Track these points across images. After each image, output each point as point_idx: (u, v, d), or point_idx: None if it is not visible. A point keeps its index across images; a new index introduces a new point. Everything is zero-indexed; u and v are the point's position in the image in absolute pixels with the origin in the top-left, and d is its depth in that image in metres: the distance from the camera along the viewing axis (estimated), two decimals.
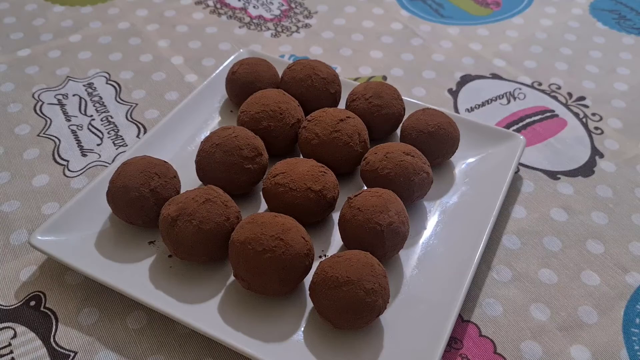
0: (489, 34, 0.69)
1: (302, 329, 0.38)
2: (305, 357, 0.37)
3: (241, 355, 0.37)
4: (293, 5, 0.73)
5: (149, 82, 0.60)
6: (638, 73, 0.64)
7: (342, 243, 0.43)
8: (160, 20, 0.69)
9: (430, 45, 0.67)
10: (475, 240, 0.42)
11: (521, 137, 0.50)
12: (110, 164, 0.50)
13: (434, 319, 0.38)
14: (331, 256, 0.38)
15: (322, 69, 0.52)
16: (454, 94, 0.60)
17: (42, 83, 0.59)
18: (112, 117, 0.55)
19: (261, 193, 0.45)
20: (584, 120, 0.58)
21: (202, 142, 0.46)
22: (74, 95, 0.58)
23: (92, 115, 0.56)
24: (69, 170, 0.50)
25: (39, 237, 0.41)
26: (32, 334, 0.39)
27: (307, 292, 0.39)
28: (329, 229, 0.45)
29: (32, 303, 0.41)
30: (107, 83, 0.60)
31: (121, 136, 0.54)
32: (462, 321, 0.41)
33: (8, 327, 0.39)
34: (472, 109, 0.58)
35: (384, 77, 0.62)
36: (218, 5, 0.72)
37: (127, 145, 0.53)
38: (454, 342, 0.40)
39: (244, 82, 0.52)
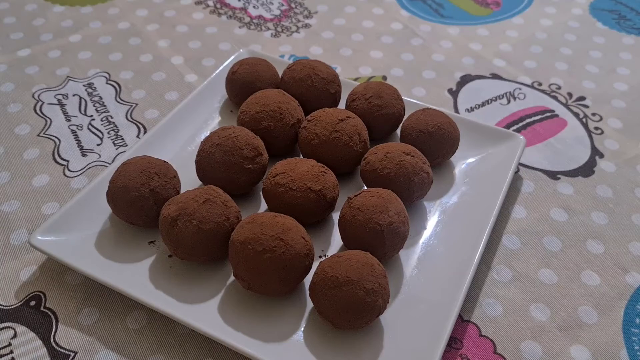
0: (489, 34, 0.69)
1: (302, 329, 0.38)
2: (305, 357, 0.37)
3: (241, 355, 0.37)
4: (293, 5, 0.73)
5: (149, 82, 0.60)
6: (638, 73, 0.64)
7: (342, 243, 0.43)
8: (160, 20, 0.69)
9: (430, 45, 0.67)
10: (475, 240, 0.42)
11: (521, 137, 0.50)
12: (110, 164, 0.50)
13: (434, 319, 0.38)
14: (331, 256, 0.38)
15: (322, 69, 0.52)
16: (454, 94, 0.60)
17: (42, 83, 0.59)
18: (112, 117, 0.55)
19: (261, 193, 0.45)
20: (584, 120, 0.58)
21: (202, 142, 0.46)
22: (74, 95, 0.58)
23: (92, 115, 0.56)
24: (69, 170, 0.50)
25: (39, 237, 0.41)
26: (32, 334, 0.39)
27: (307, 292, 0.39)
28: (329, 229, 0.45)
29: (32, 303, 0.41)
30: (107, 83, 0.60)
31: (121, 136, 0.54)
32: (462, 321, 0.41)
33: (8, 327, 0.39)
34: (472, 109, 0.58)
35: (384, 77, 0.62)
36: (218, 5, 0.72)
37: (127, 145, 0.53)
38: (454, 342, 0.40)
39: (244, 82, 0.52)
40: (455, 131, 0.48)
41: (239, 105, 0.53)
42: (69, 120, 0.55)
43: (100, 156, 0.52)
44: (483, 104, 0.59)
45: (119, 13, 0.70)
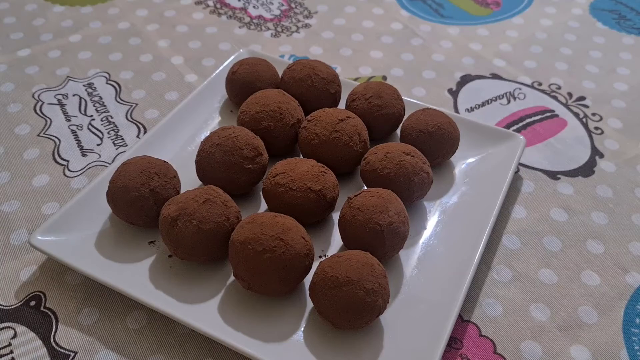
0: (489, 34, 0.69)
1: (302, 329, 0.38)
2: (305, 357, 0.37)
3: (241, 355, 0.37)
4: (293, 5, 0.73)
5: (149, 82, 0.60)
6: (638, 73, 0.64)
7: (342, 243, 0.43)
8: (160, 20, 0.69)
9: (430, 45, 0.67)
10: (475, 240, 0.42)
11: (521, 137, 0.50)
12: (110, 164, 0.50)
13: (434, 319, 0.38)
14: (331, 256, 0.38)
15: (322, 69, 0.52)
16: (454, 94, 0.60)
17: (42, 83, 0.59)
18: (112, 117, 0.55)
19: (261, 193, 0.45)
20: (584, 120, 0.58)
21: (202, 142, 0.46)
22: (74, 95, 0.58)
23: (92, 115, 0.56)
24: (69, 170, 0.50)
25: (39, 237, 0.41)
26: (32, 334, 0.39)
27: (307, 292, 0.39)
28: (329, 229, 0.45)
29: (32, 303, 0.41)
30: (107, 83, 0.60)
31: (121, 136, 0.54)
32: (462, 321, 0.41)
33: (8, 327, 0.39)
34: (472, 109, 0.58)
35: (384, 77, 0.62)
36: (218, 5, 0.72)
37: (127, 145, 0.53)
38: (454, 342, 0.40)
39: (244, 82, 0.52)
40: (455, 131, 0.48)
41: (239, 105, 0.53)
42: (69, 120, 0.55)
43: (100, 156, 0.52)
44: (483, 104, 0.59)
45: (119, 13, 0.70)
